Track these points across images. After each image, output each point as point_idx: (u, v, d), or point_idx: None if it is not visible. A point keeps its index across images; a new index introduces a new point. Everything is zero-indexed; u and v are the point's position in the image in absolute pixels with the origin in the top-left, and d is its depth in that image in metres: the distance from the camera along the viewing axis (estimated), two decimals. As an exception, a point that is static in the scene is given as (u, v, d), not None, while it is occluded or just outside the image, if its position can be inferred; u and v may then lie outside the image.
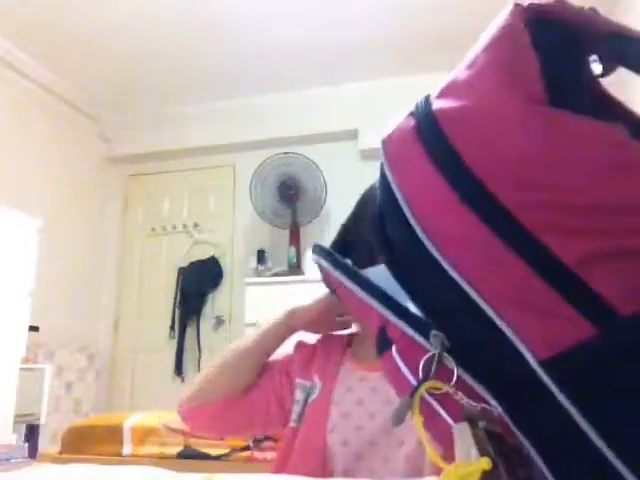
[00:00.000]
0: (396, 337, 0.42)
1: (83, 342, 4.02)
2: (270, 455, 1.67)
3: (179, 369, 3.92)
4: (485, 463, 0.32)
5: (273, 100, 4.06)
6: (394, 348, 0.42)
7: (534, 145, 0.34)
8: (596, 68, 0.42)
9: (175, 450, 1.73)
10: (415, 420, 0.37)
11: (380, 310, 0.43)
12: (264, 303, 3.36)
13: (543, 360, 0.34)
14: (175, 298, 4.06)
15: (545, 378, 0.33)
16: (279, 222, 3.83)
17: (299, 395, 0.88)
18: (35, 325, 3.10)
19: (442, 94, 0.40)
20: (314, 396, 0.86)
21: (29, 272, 2.93)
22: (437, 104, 0.39)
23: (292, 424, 0.86)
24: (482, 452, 0.33)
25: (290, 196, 3.80)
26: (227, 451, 1.71)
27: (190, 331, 3.99)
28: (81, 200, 4.15)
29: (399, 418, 0.38)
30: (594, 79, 0.42)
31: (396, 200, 0.39)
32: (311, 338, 0.99)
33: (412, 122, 0.40)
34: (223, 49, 3.58)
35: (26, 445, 2.44)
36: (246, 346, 0.93)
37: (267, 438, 1.70)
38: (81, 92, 4.05)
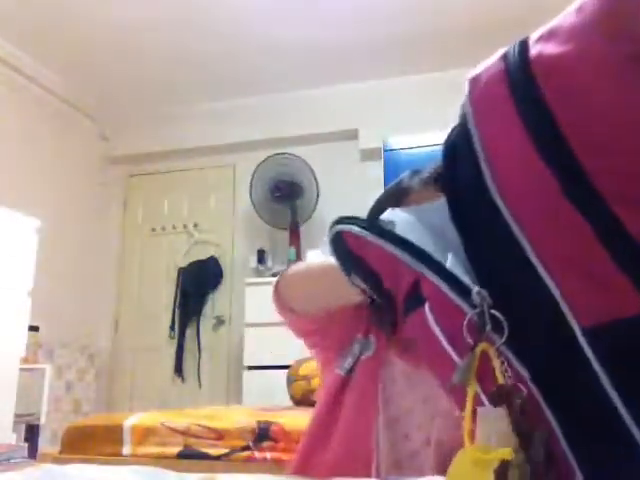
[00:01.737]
0: (430, 294, 0.40)
1: (83, 342, 4.02)
2: (270, 455, 1.68)
3: (179, 369, 3.92)
4: (507, 453, 0.32)
5: (273, 100, 4.06)
6: (427, 306, 0.41)
7: (627, 107, 0.32)
8: None
9: (175, 450, 1.73)
10: (470, 384, 0.36)
11: (414, 266, 0.41)
12: (264, 303, 3.34)
13: (587, 328, 0.33)
14: (175, 298, 4.06)
15: (585, 347, 0.33)
16: (279, 222, 3.83)
17: (356, 349, 0.86)
18: (35, 325, 3.10)
19: (543, 38, 0.36)
20: (368, 353, 0.85)
21: (29, 272, 2.93)
22: (535, 48, 0.36)
23: (340, 372, 0.85)
24: (517, 429, 0.33)
25: (290, 196, 3.80)
26: (227, 451, 1.71)
27: (190, 331, 3.99)
28: (81, 200, 4.15)
29: (466, 375, 0.36)
30: None
31: (471, 139, 0.37)
32: None
33: (503, 65, 0.37)
34: (223, 49, 3.58)
35: (26, 445, 2.44)
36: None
37: (267, 438, 1.70)
38: (81, 92, 4.05)
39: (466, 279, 0.39)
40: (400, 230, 0.45)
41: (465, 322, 0.37)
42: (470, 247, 0.39)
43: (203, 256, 4.12)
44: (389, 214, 0.60)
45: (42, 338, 3.43)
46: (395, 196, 0.48)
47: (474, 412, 0.37)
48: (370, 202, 0.49)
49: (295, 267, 0.88)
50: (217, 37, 3.46)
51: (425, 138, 3.48)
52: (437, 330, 0.40)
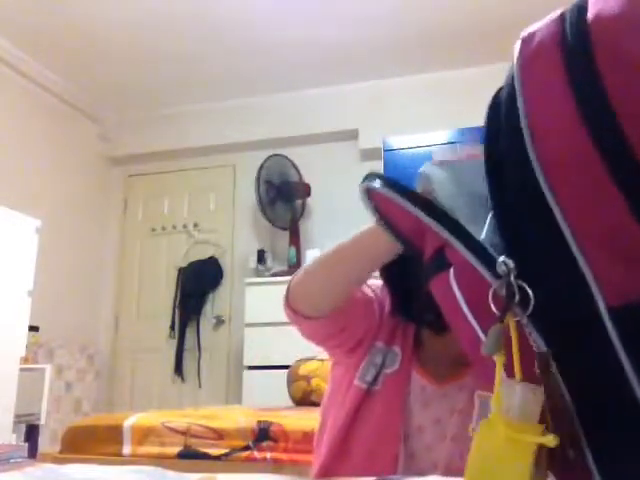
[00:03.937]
0: (455, 260, 0.39)
1: (83, 342, 4.02)
2: (270, 455, 1.68)
3: (179, 369, 3.92)
4: (550, 440, 0.30)
5: (273, 100, 4.06)
6: (452, 271, 0.40)
7: None
8: None
9: (175, 450, 1.73)
10: (498, 356, 0.35)
11: (441, 232, 0.40)
12: (264, 303, 3.36)
13: (613, 307, 0.32)
14: (175, 298, 4.06)
15: (609, 325, 0.32)
16: (279, 222, 3.84)
17: (378, 359, 0.84)
18: (35, 325, 3.10)
19: None
20: (395, 367, 0.84)
21: (29, 272, 2.93)
22: (594, 9, 0.34)
23: (361, 384, 0.83)
24: (552, 401, 0.32)
25: (290, 196, 3.80)
26: (227, 451, 1.71)
27: (190, 331, 3.99)
28: (81, 200, 4.15)
29: (496, 345, 0.35)
30: None
31: (515, 102, 0.35)
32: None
33: (559, 26, 0.35)
34: (223, 49, 3.58)
35: (26, 445, 2.44)
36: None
37: (267, 438, 1.70)
38: (81, 92, 4.06)
39: (492, 250, 0.38)
40: (436, 189, 0.44)
41: (491, 292, 0.36)
42: (500, 213, 0.38)
43: (203, 256, 4.11)
44: (427, 169, 0.57)
45: (42, 338, 3.43)
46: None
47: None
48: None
49: (306, 265, 0.86)
50: (217, 37, 3.46)
51: (425, 138, 3.48)
52: (460, 298, 0.39)
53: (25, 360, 2.88)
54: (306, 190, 3.82)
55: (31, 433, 2.91)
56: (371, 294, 0.91)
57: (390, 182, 0.44)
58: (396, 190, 0.43)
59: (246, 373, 3.39)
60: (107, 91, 4.05)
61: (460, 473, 0.36)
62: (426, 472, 0.78)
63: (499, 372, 0.35)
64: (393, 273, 0.88)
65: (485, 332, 0.37)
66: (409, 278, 0.83)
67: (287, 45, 3.54)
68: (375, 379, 0.83)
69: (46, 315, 3.42)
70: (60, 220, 3.82)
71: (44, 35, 3.41)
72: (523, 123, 0.35)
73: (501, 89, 0.38)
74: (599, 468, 0.33)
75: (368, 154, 3.80)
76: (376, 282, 0.93)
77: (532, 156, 0.34)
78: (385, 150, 3.50)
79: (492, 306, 0.36)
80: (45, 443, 3.15)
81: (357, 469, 0.78)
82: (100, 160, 4.38)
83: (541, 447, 0.31)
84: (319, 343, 0.91)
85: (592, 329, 0.33)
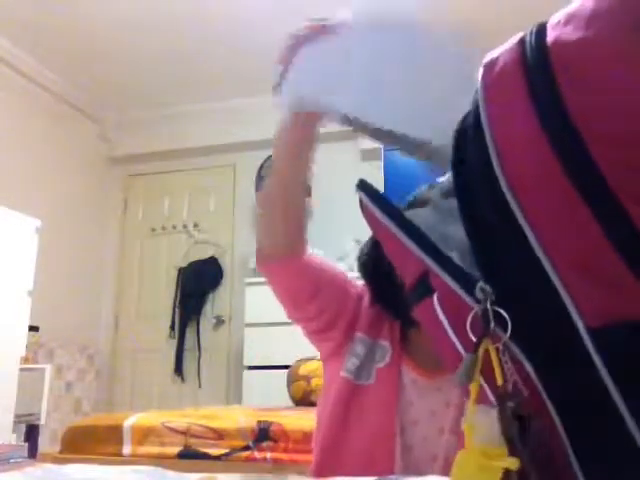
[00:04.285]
0: (438, 286, 0.40)
1: (83, 342, 4.02)
2: (270, 455, 1.68)
3: (179, 369, 3.92)
4: (512, 463, 0.32)
5: (273, 100, 4.05)
6: (435, 297, 0.40)
7: None
8: None
9: (175, 450, 1.73)
10: (474, 381, 0.36)
11: (423, 258, 0.40)
12: (264, 303, 3.35)
13: (592, 328, 0.32)
14: (175, 298, 4.06)
15: (590, 347, 0.32)
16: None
17: (360, 349, 0.84)
18: (35, 325, 3.10)
19: (561, 22, 0.35)
20: (387, 361, 0.83)
21: (29, 272, 2.93)
22: (553, 33, 0.34)
23: (347, 375, 0.83)
24: (505, 434, 0.33)
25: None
26: (227, 451, 1.71)
27: (190, 331, 3.99)
28: (81, 200, 4.15)
29: (468, 376, 0.36)
30: None
31: (481, 126, 0.35)
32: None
33: (519, 50, 0.35)
34: (223, 49, 3.58)
35: (26, 445, 2.44)
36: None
37: (267, 438, 1.70)
38: (81, 92, 4.06)
39: (474, 273, 0.38)
40: (417, 216, 0.44)
41: (469, 318, 0.37)
42: (475, 238, 0.38)
43: (203, 256, 4.11)
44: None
45: (42, 338, 3.43)
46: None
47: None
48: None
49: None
50: (217, 37, 3.46)
51: (425, 138, 3.47)
52: (445, 323, 0.39)
53: (25, 360, 2.88)
54: (306, 190, 3.81)
55: (31, 433, 2.91)
56: (345, 278, 0.92)
57: (378, 197, 0.45)
58: (381, 207, 0.44)
59: (246, 373, 3.39)
60: (107, 91, 4.05)
61: None
62: (425, 464, 0.78)
63: (472, 401, 0.36)
64: (368, 261, 0.88)
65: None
66: (383, 264, 0.84)
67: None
68: (363, 371, 0.83)
69: (46, 315, 3.42)
70: (60, 220, 3.82)
71: (44, 35, 3.41)
72: (490, 145, 0.35)
73: (467, 115, 0.38)
74: (585, 475, 0.34)
75: (368, 154, 3.80)
76: (358, 282, 0.93)
77: (501, 178, 0.34)
78: (385, 150, 3.50)
79: (469, 333, 0.36)
80: (45, 443, 3.15)
81: (354, 465, 0.78)
82: (100, 160, 4.38)
83: (508, 473, 0.32)
84: (295, 317, 0.94)
85: (574, 346, 0.33)
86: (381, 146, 3.54)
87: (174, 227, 4.27)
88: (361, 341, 0.85)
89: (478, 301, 0.36)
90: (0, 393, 2.63)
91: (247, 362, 3.40)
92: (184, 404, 3.37)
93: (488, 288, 0.36)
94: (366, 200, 0.45)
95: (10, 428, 2.66)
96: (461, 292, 0.38)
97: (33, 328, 3.04)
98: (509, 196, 0.34)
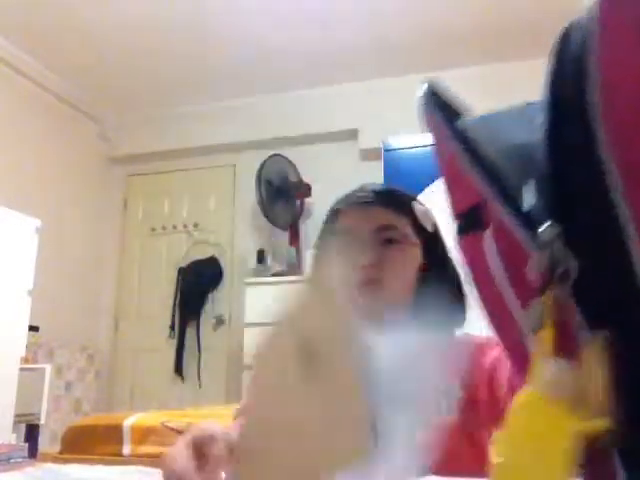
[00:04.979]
0: (495, 220, 0.35)
1: (83, 342, 4.02)
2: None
3: (179, 369, 3.92)
4: (598, 423, 0.28)
5: (273, 100, 4.06)
6: (487, 232, 0.36)
7: None
8: None
9: (175, 450, 1.72)
10: (545, 329, 0.32)
11: (483, 189, 0.35)
12: (264, 303, 3.36)
13: None
14: (175, 298, 4.06)
15: None
16: (279, 222, 3.84)
17: None
18: (35, 325, 3.10)
19: None
20: None
21: (29, 272, 2.93)
22: None
23: None
24: (593, 388, 0.29)
25: (290, 196, 3.80)
26: (227, 451, 1.71)
27: (190, 331, 3.99)
28: (81, 200, 4.15)
29: (540, 322, 0.32)
30: None
31: (587, 66, 0.31)
32: None
33: None
34: (223, 49, 3.58)
35: (26, 445, 2.44)
36: None
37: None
38: (81, 92, 4.06)
39: (539, 212, 0.34)
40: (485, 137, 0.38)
41: (531, 261, 0.33)
42: (554, 175, 0.34)
43: (203, 256, 4.11)
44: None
45: (42, 338, 3.43)
46: None
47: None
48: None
49: None
50: (217, 37, 3.46)
51: (425, 138, 3.48)
52: (497, 263, 0.35)
53: (25, 360, 2.88)
54: (306, 190, 3.82)
55: (31, 433, 2.91)
56: None
57: (443, 103, 0.39)
58: (443, 116, 0.38)
59: (246, 373, 3.39)
60: (107, 91, 4.05)
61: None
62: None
63: (542, 348, 0.32)
64: None
65: (522, 303, 0.34)
66: None
67: (287, 45, 3.54)
68: None
69: (46, 315, 3.42)
70: (60, 220, 3.82)
71: (44, 35, 3.41)
72: (592, 69, 0.30)
73: (564, 47, 0.33)
74: (626, 465, 0.31)
75: (368, 154, 3.80)
76: None
77: (595, 110, 0.30)
78: (385, 150, 3.50)
79: (531, 276, 0.32)
80: (45, 443, 3.15)
81: None
82: (100, 160, 4.38)
83: (581, 432, 0.29)
84: None
85: (634, 313, 0.30)
86: (381, 146, 3.54)
87: (174, 227, 4.27)
88: None
89: (539, 244, 0.32)
90: (0, 393, 2.63)
91: (247, 362, 3.39)
92: (184, 404, 3.37)
93: (557, 230, 0.32)
94: (428, 104, 0.39)
95: (10, 428, 2.66)
96: (521, 231, 0.33)
97: (33, 328, 3.04)
98: (600, 131, 0.30)
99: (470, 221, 0.37)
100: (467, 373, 0.76)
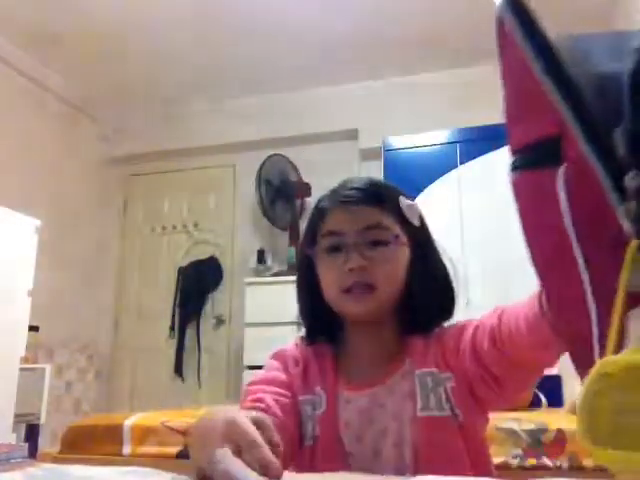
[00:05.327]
0: (571, 158, 0.32)
1: (83, 342, 4.02)
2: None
3: (179, 369, 3.92)
4: None
5: (273, 100, 4.06)
6: (562, 169, 0.32)
7: None
8: None
9: (175, 450, 1.72)
10: (623, 276, 0.30)
11: (570, 121, 0.31)
12: (264, 303, 3.36)
13: None
14: (175, 298, 4.06)
15: None
16: (279, 222, 3.84)
17: (309, 411, 0.82)
18: (35, 325, 3.10)
19: None
20: (323, 408, 0.81)
21: (29, 272, 2.93)
22: None
23: (308, 442, 0.80)
24: None
25: (290, 196, 3.80)
26: (227, 451, 1.71)
27: (190, 331, 3.99)
28: (81, 200, 4.15)
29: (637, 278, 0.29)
30: None
31: None
32: (288, 349, 0.91)
33: None
34: (223, 49, 3.58)
35: (26, 445, 2.44)
36: None
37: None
38: (81, 92, 4.06)
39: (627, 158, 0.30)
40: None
41: (619, 210, 0.30)
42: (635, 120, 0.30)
43: (203, 256, 4.12)
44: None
45: (42, 338, 3.43)
46: None
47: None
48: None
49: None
50: (217, 37, 3.46)
51: (425, 138, 3.48)
52: (565, 206, 0.32)
53: (25, 360, 2.88)
54: (306, 190, 3.82)
55: (31, 433, 2.91)
56: (288, 403, 0.82)
57: (527, 21, 0.33)
58: (527, 34, 0.32)
59: (246, 373, 3.39)
60: (107, 91, 4.05)
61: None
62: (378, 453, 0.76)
63: (620, 303, 0.30)
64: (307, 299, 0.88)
65: (585, 249, 0.31)
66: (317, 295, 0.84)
67: (287, 45, 3.54)
68: (314, 430, 0.80)
69: (46, 315, 3.42)
70: (60, 220, 3.82)
71: (44, 35, 3.41)
72: None
73: None
74: None
75: (368, 154, 3.80)
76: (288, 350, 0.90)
77: None
78: (385, 150, 3.51)
79: (624, 224, 0.29)
80: (45, 443, 3.15)
81: None
82: (100, 160, 4.38)
83: None
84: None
85: None
86: (381, 146, 3.54)
87: (174, 227, 4.28)
88: (305, 402, 0.82)
89: (629, 193, 0.29)
90: (0, 393, 2.63)
91: (247, 362, 3.39)
92: (184, 404, 3.37)
93: None
94: (509, 19, 0.33)
95: (10, 428, 2.66)
96: (605, 177, 0.30)
97: (33, 328, 3.04)
98: None
99: (542, 154, 0.33)
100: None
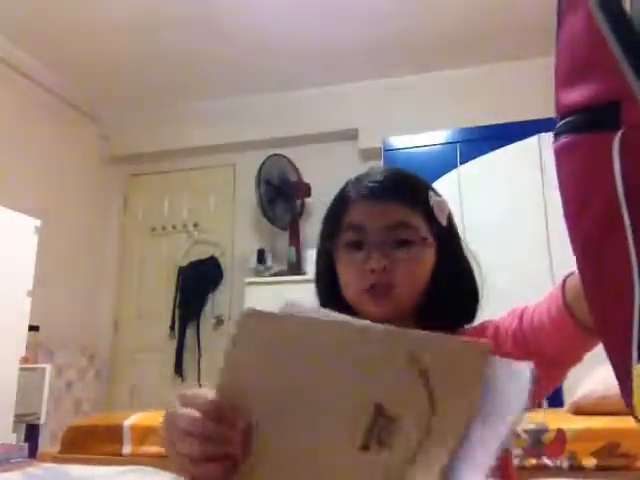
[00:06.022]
0: (631, 123, 0.30)
1: (83, 342, 4.02)
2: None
3: (179, 369, 3.92)
4: None
5: (273, 100, 4.06)
6: (619, 135, 0.30)
7: None
8: None
9: (175, 450, 1.72)
10: None
11: (632, 84, 0.29)
12: (264, 303, 3.34)
13: None
14: (175, 298, 4.06)
15: None
16: (279, 222, 3.84)
17: None
18: (35, 325, 3.10)
19: None
20: None
21: (28, 272, 2.93)
22: None
23: None
24: None
25: (290, 196, 3.80)
26: (227, 451, 1.71)
27: (190, 331, 3.99)
28: (81, 200, 4.15)
29: None
30: None
31: None
32: None
33: None
34: (223, 49, 3.58)
35: (26, 445, 2.44)
36: None
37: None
38: (81, 92, 4.06)
39: None
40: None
41: None
42: None
43: (203, 256, 4.11)
44: None
45: (42, 338, 3.43)
46: None
47: None
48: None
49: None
50: (217, 37, 3.46)
51: (425, 138, 3.48)
52: (619, 173, 0.30)
53: (25, 360, 2.88)
54: (306, 190, 3.82)
55: (31, 433, 2.91)
56: None
57: None
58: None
59: (246, 373, 3.39)
60: (107, 91, 4.05)
61: None
62: None
63: None
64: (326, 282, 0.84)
65: (637, 223, 0.29)
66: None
67: (287, 45, 3.54)
68: None
69: (46, 315, 3.42)
70: (60, 220, 3.82)
71: (44, 35, 3.41)
72: None
73: None
74: None
75: (368, 154, 3.80)
76: None
77: None
78: (385, 150, 3.50)
79: None
80: (45, 443, 3.15)
81: None
82: (100, 160, 4.38)
83: None
84: None
85: None
86: (381, 146, 3.54)
87: (174, 227, 4.27)
88: None
89: None
90: (0, 393, 2.63)
91: (247, 362, 3.39)
92: (184, 404, 3.37)
93: None
94: None
95: (10, 428, 2.66)
96: None
97: (33, 328, 3.04)
98: None
99: (600, 117, 0.31)
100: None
